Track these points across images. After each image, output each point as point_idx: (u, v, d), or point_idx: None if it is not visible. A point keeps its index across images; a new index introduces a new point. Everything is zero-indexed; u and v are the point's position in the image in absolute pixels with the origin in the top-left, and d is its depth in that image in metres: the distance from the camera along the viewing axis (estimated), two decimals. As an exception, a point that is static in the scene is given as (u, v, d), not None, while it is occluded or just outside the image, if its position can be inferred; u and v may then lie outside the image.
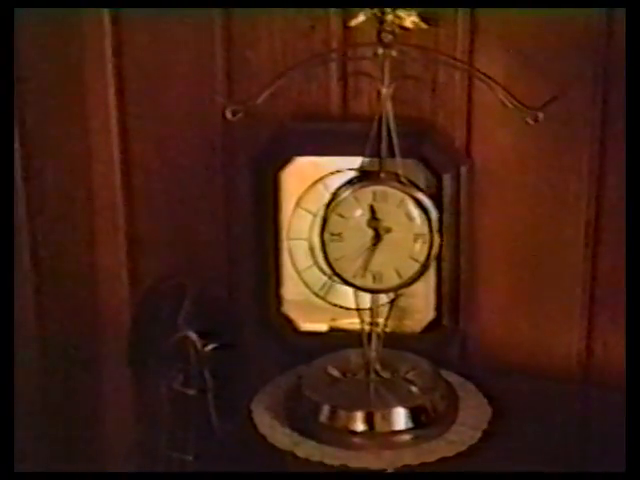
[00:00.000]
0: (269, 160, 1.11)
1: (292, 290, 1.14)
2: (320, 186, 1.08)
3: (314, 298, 1.12)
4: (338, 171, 1.06)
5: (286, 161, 1.10)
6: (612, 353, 1.11)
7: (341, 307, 1.10)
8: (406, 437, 0.98)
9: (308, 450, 0.97)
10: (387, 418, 0.99)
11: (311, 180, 1.09)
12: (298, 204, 1.09)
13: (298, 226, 1.10)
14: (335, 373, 1.04)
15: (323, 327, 1.15)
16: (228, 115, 0.95)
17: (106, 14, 1.15)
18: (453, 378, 1.08)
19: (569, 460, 0.97)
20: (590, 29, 1.03)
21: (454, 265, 1.10)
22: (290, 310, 1.15)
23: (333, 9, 1.08)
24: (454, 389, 1.06)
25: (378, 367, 1.03)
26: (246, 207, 1.15)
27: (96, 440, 1.03)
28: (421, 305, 1.12)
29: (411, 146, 1.03)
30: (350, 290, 1.01)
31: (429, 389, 1.02)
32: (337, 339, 1.12)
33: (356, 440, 0.98)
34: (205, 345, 1.08)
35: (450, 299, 1.12)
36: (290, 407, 1.03)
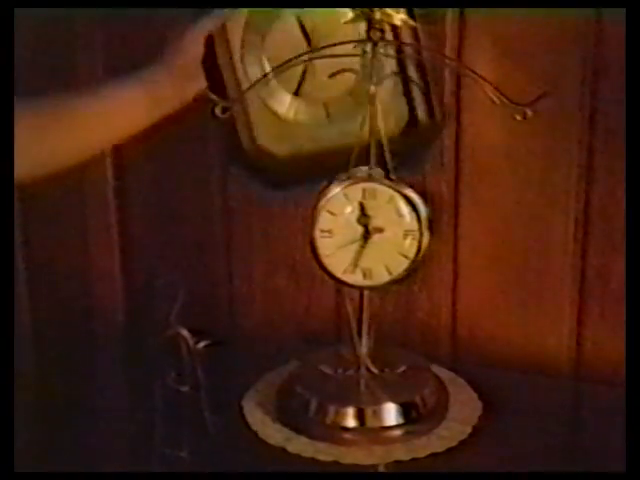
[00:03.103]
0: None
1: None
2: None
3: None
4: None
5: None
6: (602, 348, 1.11)
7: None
8: (397, 433, 0.99)
9: (299, 446, 0.97)
10: (378, 414, 0.99)
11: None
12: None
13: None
14: (326, 369, 1.04)
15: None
16: (217, 112, 0.95)
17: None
18: (443, 373, 1.08)
19: (559, 455, 0.97)
20: (579, 24, 1.03)
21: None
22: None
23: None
24: (444, 385, 1.06)
25: (369, 363, 1.03)
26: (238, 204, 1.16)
27: (90, 437, 1.03)
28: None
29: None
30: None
31: (419, 385, 1.02)
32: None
33: (347, 436, 0.99)
34: (197, 342, 1.08)
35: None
36: (281, 403, 1.03)
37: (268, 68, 1.06)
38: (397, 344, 1.12)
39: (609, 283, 1.10)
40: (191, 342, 1.07)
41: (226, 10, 1.05)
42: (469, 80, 0.98)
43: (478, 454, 0.97)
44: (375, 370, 1.03)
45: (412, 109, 1.08)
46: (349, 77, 0.98)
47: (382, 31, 0.94)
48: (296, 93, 1.07)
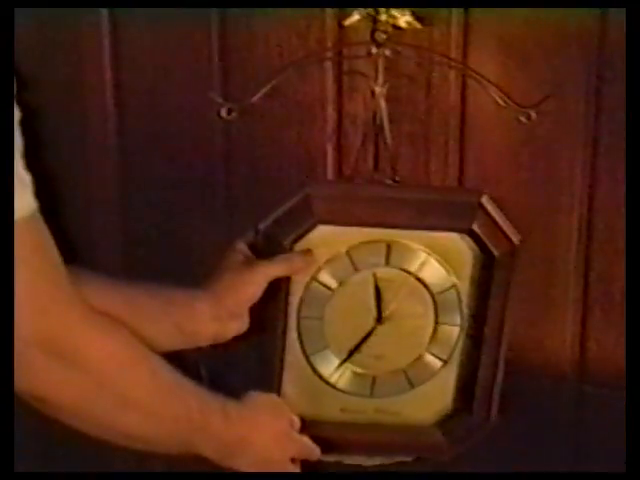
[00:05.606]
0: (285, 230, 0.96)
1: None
2: (344, 257, 0.98)
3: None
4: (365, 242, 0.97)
5: (307, 230, 0.96)
6: (606, 351, 1.11)
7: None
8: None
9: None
10: (382, 414, 1.00)
11: (330, 250, 0.97)
12: (314, 277, 0.98)
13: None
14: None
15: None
16: (223, 114, 0.96)
17: (105, 15, 1.17)
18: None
19: (562, 457, 0.98)
20: (584, 28, 1.03)
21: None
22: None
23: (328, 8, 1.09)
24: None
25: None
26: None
27: (89, 442, 1.03)
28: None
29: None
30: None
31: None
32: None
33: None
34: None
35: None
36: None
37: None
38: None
39: (613, 286, 1.10)
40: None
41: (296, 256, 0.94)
42: (473, 83, 0.98)
43: (482, 456, 0.98)
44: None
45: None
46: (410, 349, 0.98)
47: (387, 33, 0.94)
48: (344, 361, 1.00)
